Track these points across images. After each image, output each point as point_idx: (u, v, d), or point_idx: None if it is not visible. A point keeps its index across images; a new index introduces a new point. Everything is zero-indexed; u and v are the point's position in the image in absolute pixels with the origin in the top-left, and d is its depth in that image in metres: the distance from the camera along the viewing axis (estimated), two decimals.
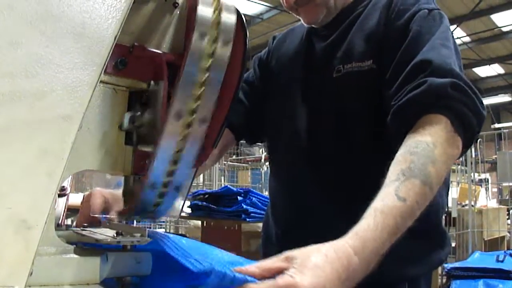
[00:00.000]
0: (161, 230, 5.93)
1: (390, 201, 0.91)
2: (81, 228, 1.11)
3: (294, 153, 1.39)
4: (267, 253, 1.36)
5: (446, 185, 1.34)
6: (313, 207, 1.32)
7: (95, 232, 1.03)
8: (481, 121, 1.07)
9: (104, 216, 1.10)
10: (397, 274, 1.20)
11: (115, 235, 0.96)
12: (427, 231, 1.25)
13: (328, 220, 1.22)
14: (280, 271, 0.78)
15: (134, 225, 1.14)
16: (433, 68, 1.07)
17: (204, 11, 0.86)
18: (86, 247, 0.96)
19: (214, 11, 0.87)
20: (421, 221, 1.16)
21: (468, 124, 1.05)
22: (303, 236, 0.96)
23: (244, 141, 1.75)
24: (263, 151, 9.92)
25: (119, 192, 1.02)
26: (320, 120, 1.34)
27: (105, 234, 0.99)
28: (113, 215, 1.08)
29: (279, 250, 0.86)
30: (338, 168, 1.26)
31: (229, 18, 0.88)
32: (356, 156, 1.23)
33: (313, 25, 1.44)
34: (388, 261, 1.04)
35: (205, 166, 1.46)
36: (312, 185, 1.34)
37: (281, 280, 0.75)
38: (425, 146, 0.98)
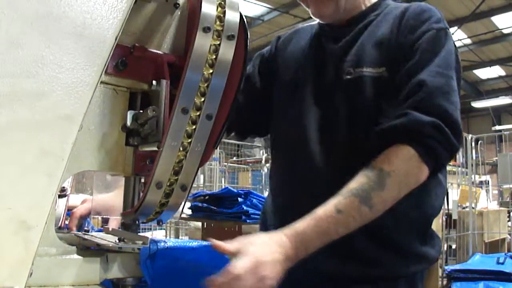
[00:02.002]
0: (162, 232, 5.93)
1: (328, 210, 1.09)
2: (83, 232, 1.10)
3: (301, 154, 1.40)
4: None
5: (442, 187, 1.38)
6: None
7: (97, 238, 1.02)
8: (452, 152, 1.18)
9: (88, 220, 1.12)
10: (399, 270, 1.29)
11: (117, 241, 0.95)
12: (425, 232, 1.34)
13: None
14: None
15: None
16: (425, 100, 1.17)
17: (208, 9, 0.86)
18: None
19: (217, 8, 0.86)
20: (421, 223, 1.31)
21: (438, 157, 1.16)
22: None
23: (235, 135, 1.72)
24: (264, 152, 9.91)
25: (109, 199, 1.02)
26: (330, 120, 1.37)
27: (108, 239, 0.98)
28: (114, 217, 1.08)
29: None
30: (346, 168, 1.24)
31: (233, 16, 0.88)
32: (365, 157, 1.23)
33: (320, 21, 1.45)
34: (392, 258, 1.23)
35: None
36: (319, 186, 1.33)
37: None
38: (379, 173, 1.13)
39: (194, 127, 0.86)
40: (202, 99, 0.86)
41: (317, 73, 1.42)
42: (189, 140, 0.87)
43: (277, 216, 1.47)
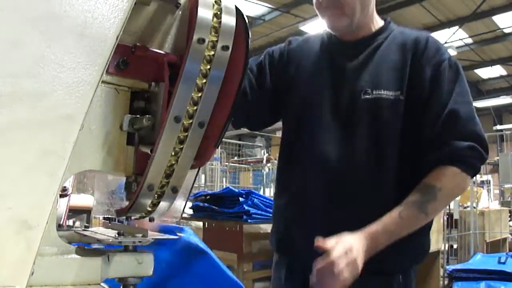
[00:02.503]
0: None
1: (393, 217, 1.41)
2: (82, 228, 1.11)
3: (320, 171, 1.56)
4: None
5: None
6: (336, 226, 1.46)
7: (97, 233, 1.03)
8: (484, 162, 1.48)
9: None
10: (395, 265, 1.53)
11: (116, 235, 0.96)
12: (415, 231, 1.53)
13: (342, 212, 1.52)
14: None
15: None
16: (458, 127, 1.45)
17: (204, 13, 0.86)
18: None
19: (215, 14, 0.87)
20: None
21: (477, 169, 1.50)
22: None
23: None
24: (265, 152, 9.92)
25: None
26: (348, 138, 1.54)
27: (107, 234, 0.98)
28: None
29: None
30: (368, 181, 1.52)
31: (229, 20, 0.88)
32: (386, 175, 1.51)
33: (334, 33, 1.62)
34: (389, 254, 1.41)
35: None
36: (333, 195, 1.53)
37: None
38: (433, 189, 1.43)
39: (186, 134, 0.87)
40: (195, 108, 0.87)
41: (333, 91, 1.58)
42: (181, 146, 0.88)
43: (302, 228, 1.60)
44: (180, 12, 0.97)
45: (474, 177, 6.67)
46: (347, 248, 1.29)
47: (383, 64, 1.53)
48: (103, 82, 0.88)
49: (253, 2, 10.59)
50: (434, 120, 1.46)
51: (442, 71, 1.48)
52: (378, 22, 1.63)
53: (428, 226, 1.57)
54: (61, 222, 1.39)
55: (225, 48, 0.87)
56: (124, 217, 1.01)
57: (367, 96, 1.51)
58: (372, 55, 1.56)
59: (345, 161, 1.52)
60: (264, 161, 8.89)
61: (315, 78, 1.62)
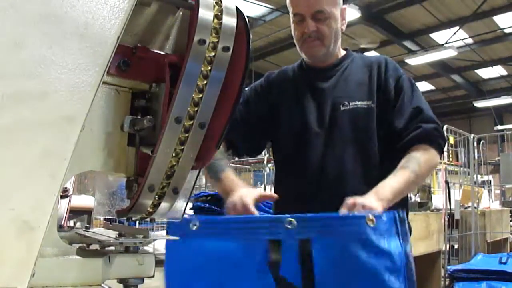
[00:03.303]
0: (164, 232, 5.93)
1: (392, 178, 1.68)
2: (84, 229, 1.11)
3: (308, 174, 1.90)
4: None
5: None
6: None
7: (98, 234, 1.03)
8: (445, 141, 1.91)
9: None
10: None
11: (117, 236, 0.96)
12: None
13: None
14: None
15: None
16: (424, 116, 1.83)
17: (205, 14, 0.86)
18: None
19: (215, 15, 0.87)
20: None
21: (442, 147, 1.86)
22: None
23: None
24: (265, 153, 9.91)
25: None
26: (334, 145, 1.87)
27: (108, 235, 0.98)
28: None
29: None
30: (356, 170, 1.88)
31: (230, 21, 0.88)
32: (372, 171, 1.86)
33: (311, 60, 1.99)
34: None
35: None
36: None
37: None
38: (415, 156, 1.76)
39: (187, 135, 0.87)
40: (196, 109, 0.87)
41: (317, 107, 1.92)
42: (182, 147, 0.88)
43: None
44: (181, 13, 0.97)
45: (477, 178, 6.70)
46: (375, 193, 1.59)
47: (353, 81, 1.93)
48: (104, 83, 0.88)
49: (253, 3, 10.60)
50: (404, 114, 1.84)
51: (402, 82, 1.90)
52: (341, 51, 2.04)
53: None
54: (62, 223, 1.39)
55: (226, 49, 0.87)
56: (125, 218, 1.01)
57: (346, 108, 1.87)
58: (341, 76, 1.95)
59: (336, 163, 1.86)
60: (265, 162, 8.90)
61: (298, 99, 1.97)
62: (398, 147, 1.81)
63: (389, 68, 1.94)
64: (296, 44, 1.95)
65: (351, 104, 1.88)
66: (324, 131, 1.89)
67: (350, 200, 1.51)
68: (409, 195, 2.42)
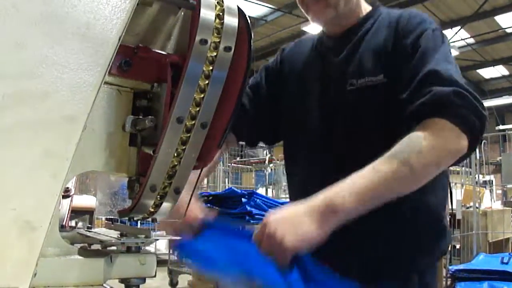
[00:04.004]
0: (164, 232, 5.93)
1: (365, 171, 1.14)
2: (86, 229, 1.11)
3: (311, 162, 1.51)
4: None
5: (444, 180, 1.46)
6: None
7: (100, 233, 1.03)
8: (483, 121, 1.20)
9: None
10: (408, 265, 1.34)
11: (119, 236, 0.96)
12: (431, 223, 1.39)
13: None
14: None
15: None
16: (438, 78, 1.22)
17: (207, 14, 0.86)
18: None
19: (217, 15, 0.87)
20: (426, 214, 1.38)
21: (471, 124, 1.19)
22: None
23: (245, 143, 1.85)
24: (267, 153, 9.91)
25: None
26: (335, 131, 1.46)
27: (110, 235, 0.99)
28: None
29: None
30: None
31: (232, 21, 0.88)
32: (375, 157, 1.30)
33: (320, 25, 1.55)
34: (400, 253, 1.30)
35: (209, 167, 1.52)
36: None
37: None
38: (414, 138, 1.17)
39: (188, 135, 0.87)
40: (197, 109, 0.87)
41: (321, 87, 1.52)
42: (184, 147, 0.88)
43: None
44: (183, 13, 0.97)
45: (479, 177, 6.65)
46: (284, 214, 1.10)
47: (369, 50, 1.44)
48: (105, 83, 0.88)
49: (255, 3, 10.60)
50: (412, 82, 1.28)
51: (422, 39, 1.34)
52: (366, 8, 1.54)
53: (441, 224, 1.42)
54: (64, 223, 1.39)
55: (227, 49, 0.87)
56: (127, 218, 1.01)
57: (352, 87, 1.42)
58: (359, 44, 1.47)
59: (335, 170, 1.35)
60: (267, 162, 8.88)
61: (303, 80, 1.59)
62: (405, 127, 1.25)
63: (411, 23, 1.39)
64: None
65: (359, 81, 1.41)
66: (325, 124, 1.49)
67: (262, 227, 1.10)
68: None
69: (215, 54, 0.86)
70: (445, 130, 1.18)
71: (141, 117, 0.94)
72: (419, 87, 1.24)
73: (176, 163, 0.89)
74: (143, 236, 0.94)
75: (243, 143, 1.86)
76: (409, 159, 1.13)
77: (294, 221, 1.08)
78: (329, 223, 1.09)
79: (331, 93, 1.49)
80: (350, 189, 1.11)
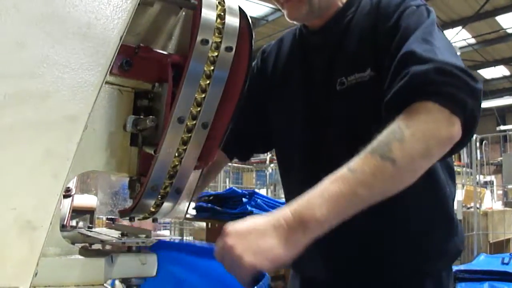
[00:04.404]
0: (166, 232, 5.94)
1: (338, 173, 0.94)
2: (86, 229, 1.11)
3: (305, 171, 1.34)
4: None
5: (451, 175, 1.34)
6: None
7: (101, 233, 1.03)
8: (477, 98, 1.02)
9: None
10: (418, 268, 1.22)
11: (120, 236, 0.96)
12: (440, 220, 1.26)
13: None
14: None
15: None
16: (416, 58, 1.04)
17: (208, 14, 0.86)
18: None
19: (218, 15, 0.87)
20: (432, 211, 1.24)
21: (461, 103, 0.99)
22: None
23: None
24: (268, 153, 9.90)
25: None
26: (328, 134, 1.29)
27: (111, 235, 0.99)
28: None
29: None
30: None
31: (233, 21, 0.88)
32: None
33: (295, 22, 1.39)
34: (408, 256, 1.17)
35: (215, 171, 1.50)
36: None
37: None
38: (394, 128, 0.97)
39: (189, 135, 0.87)
40: (198, 109, 0.87)
41: (309, 88, 1.35)
42: (185, 147, 0.88)
43: None
44: (184, 13, 0.97)
45: (480, 178, 6.65)
46: (245, 227, 0.92)
47: (354, 42, 1.26)
48: (106, 82, 0.88)
49: (256, 3, 10.59)
50: (389, 68, 1.10)
51: (404, 18, 1.15)
52: None
53: (452, 223, 1.29)
54: (65, 223, 1.39)
55: (228, 49, 0.87)
56: (127, 218, 1.01)
57: (342, 87, 1.25)
58: (343, 37, 1.30)
59: (325, 156, 1.27)
60: (268, 162, 8.88)
61: (286, 83, 1.42)
62: (383, 118, 1.05)
63: (392, 2, 1.20)
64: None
65: (349, 79, 1.23)
66: (315, 132, 1.32)
67: (221, 240, 0.93)
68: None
69: (216, 54, 0.86)
70: (431, 113, 0.98)
71: (142, 117, 0.94)
72: (395, 74, 1.07)
73: (177, 163, 0.89)
74: (143, 236, 0.94)
75: None
76: (390, 152, 0.94)
77: (256, 236, 0.90)
78: (297, 240, 0.90)
79: (319, 94, 1.32)
80: (321, 198, 0.91)
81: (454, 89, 0.99)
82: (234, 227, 0.92)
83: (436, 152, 0.99)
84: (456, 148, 1.03)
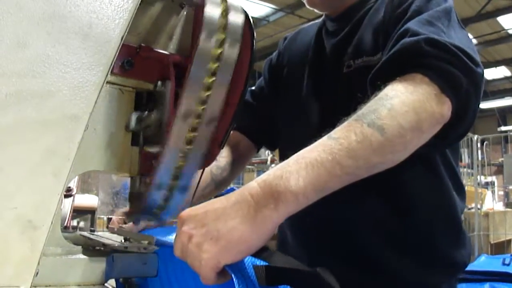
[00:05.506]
0: None
1: (317, 142, 0.80)
2: (89, 232, 1.11)
3: None
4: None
5: (459, 191, 1.26)
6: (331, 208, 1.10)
7: (103, 237, 1.03)
8: (474, 79, 0.93)
9: None
10: (420, 280, 1.17)
11: (122, 241, 0.96)
12: (446, 227, 1.21)
13: (342, 213, 1.16)
14: None
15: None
16: (409, 34, 0.97)
17: (212, 11, 0.86)
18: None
19: (222, 12, 0.87)
20: (442, 220, 1.19)
21: (453, 81, 0.90)
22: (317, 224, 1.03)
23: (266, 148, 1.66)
24: (269, 153, 9.90)
25: None
26: (333, 117, 1.25)
27: (113, 239, 0.98)
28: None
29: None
30: None
31: (237, 19, 0.88)
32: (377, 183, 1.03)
33: (314, 9, 1.38)
34: (409, 267, 1.13)
35: (225, 181, 1.47)
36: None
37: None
38: (382, 96, 0.87)
39: (193, 134, 0.86)
40: (203, 107, 0.86)
41: (318, 70, 1.34)
42: (189, 147, 0.87)
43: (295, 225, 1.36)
44: (185, 12, 0.97)
45: (481, 179, 6.64)
46: (202, 209, 0.73)
47: (369, 29, 1.23)
48: (108, 82, 0.88)
49: (257, 3, 10.60)
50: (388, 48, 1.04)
51: (414, 4, 1.09)
52: None
53: (460, 233, 1.23)
54: (66, 223, 1.40)
55: (233, 46, 0.86)
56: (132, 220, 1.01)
57: (349, 69, 1.21)
58: (359, 24, 1.27)
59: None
60: (268, 162, 8.89)
61: (300, 69, 1.40)
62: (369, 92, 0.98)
63: None
64: None
65: (356, 62, 1.20)
66: (322, 105, 1.30)
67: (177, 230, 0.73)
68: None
69: (220, 51, 0.86)
70: (420, 86, 0.89)
71: (146, 113, 0.94)
72: (389, 51, 1.00)
73: (181, 163, 0.89)
74: (146, 242, 0.94)
75: None
76: (378, 119, 0.82)
77: (215, 219, 0.70)
78: (267, 217, 0.70)
79: (327, 77, 1.29)
80: (296, 165, 0.75)
81: (447, 65, 0.90)
82: (189, 211, 0.74)
83: (427, 127, 0.88)
84: (450, 136, 0.95)
